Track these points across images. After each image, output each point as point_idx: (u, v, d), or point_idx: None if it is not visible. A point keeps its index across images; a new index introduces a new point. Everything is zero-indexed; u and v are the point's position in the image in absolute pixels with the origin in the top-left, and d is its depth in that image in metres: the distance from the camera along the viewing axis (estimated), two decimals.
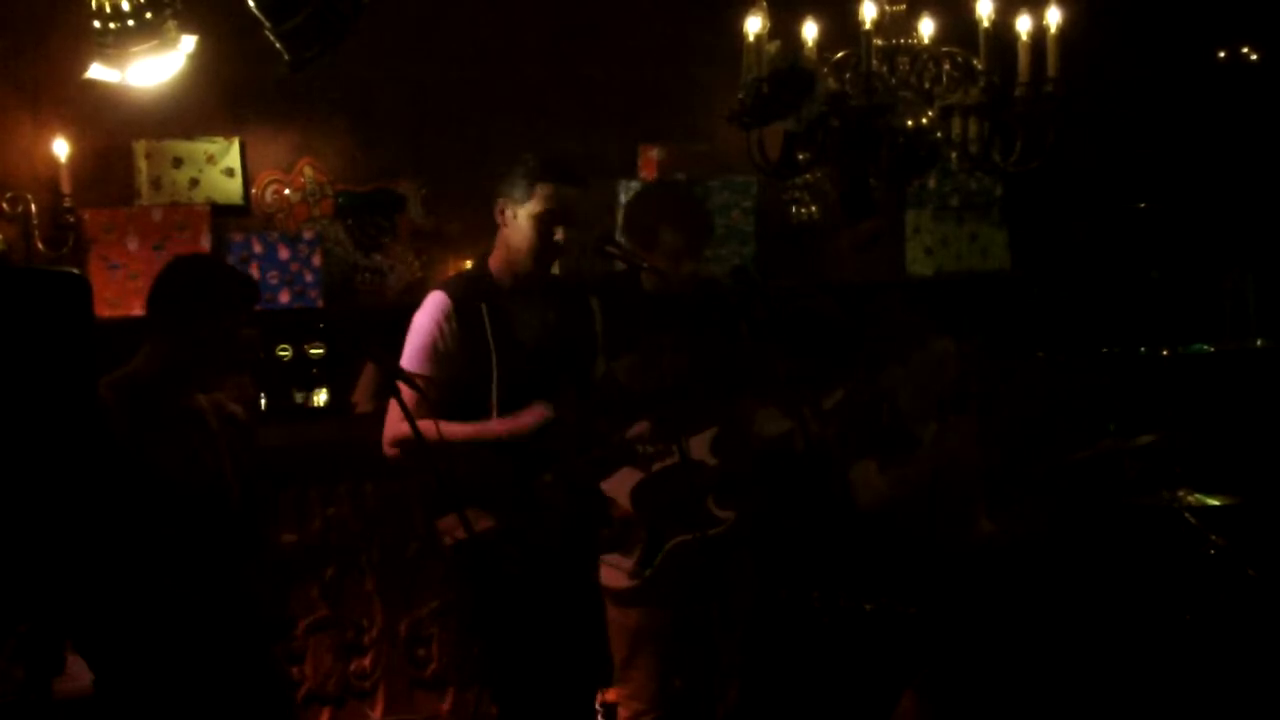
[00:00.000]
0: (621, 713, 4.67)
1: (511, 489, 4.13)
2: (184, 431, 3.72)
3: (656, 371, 4.52)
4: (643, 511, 4.46)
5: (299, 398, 5.04)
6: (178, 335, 3.69)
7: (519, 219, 4.18)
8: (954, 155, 3.96)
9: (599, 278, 4.85)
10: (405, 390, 3.87)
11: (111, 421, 3.49)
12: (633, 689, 4.63)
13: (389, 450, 4.16)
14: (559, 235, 4.18)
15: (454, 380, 4.14)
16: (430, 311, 4.20)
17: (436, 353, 4.15)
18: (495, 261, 4.28)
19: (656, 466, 4.47)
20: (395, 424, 4.09)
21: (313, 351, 5.00)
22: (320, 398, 5.06)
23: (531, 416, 4.11)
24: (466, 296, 4.19)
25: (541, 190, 4.15)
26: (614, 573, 4.52)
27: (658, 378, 4.51)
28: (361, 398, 5.09)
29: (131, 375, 3.69)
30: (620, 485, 4.49)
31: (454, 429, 4.04)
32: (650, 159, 5.59)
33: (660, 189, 5.20)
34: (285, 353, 5.00)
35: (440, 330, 4.16)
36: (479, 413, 4.14)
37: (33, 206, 4.86)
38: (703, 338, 4.62)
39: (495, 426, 4.12)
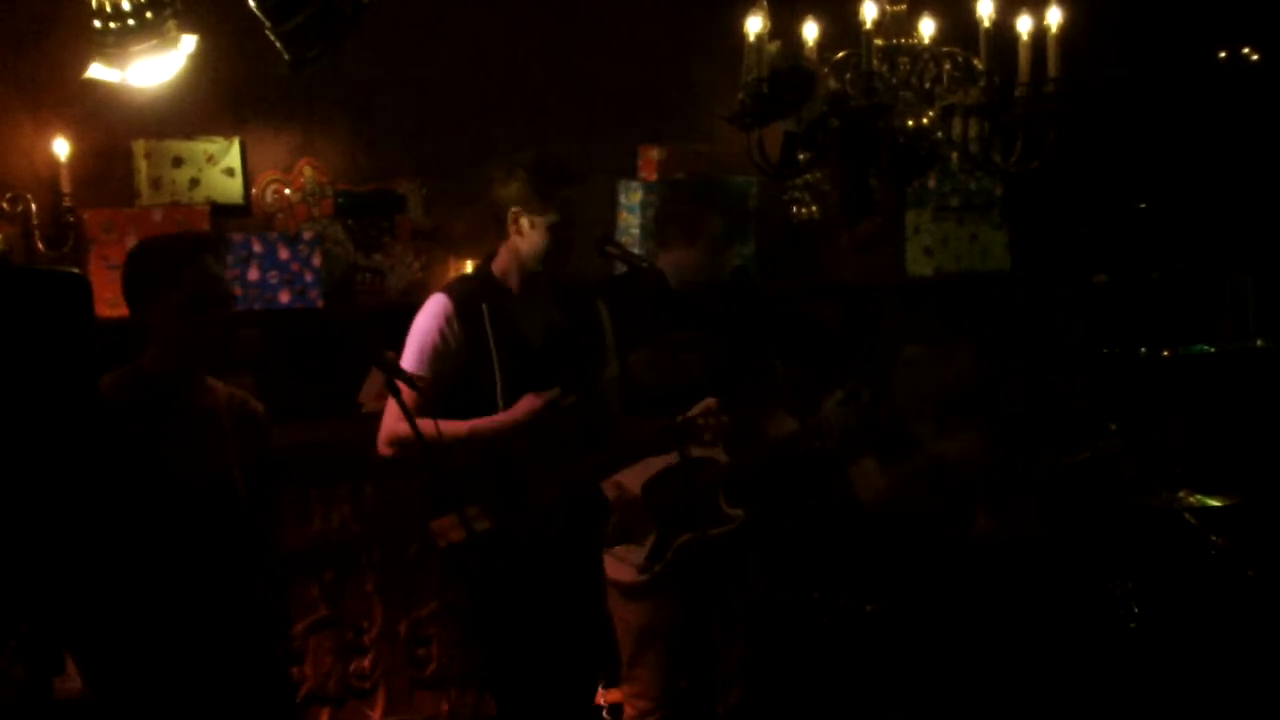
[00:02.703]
0: (627, 711, 4.67)
1: (507, 490, 4.12)
2: (194, 430, 3.71)
3: (669, 369, 4.52)
4: (652, 507, 4.46)
5: None
6: (164, 318, 3.66)
7: (536, 228, 4.16)
8: (954, 155, 3.96)
9: (601, 278, 4.85)
10: (405, 391, 3.87)
11: (121, 416, 3.48)
12: (639, 688, 4.63)
13: (384, 450, 4.16)
14: (569, 238, 4.19)
15: (456, 383, 4.14)
16: (431, 313, 4.19)
17: (437, 355, 4.15)
18: (499, 265, 4.26)
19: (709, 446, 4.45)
20: (393, 423, 4.09)
21: None
22: None
23: (525, 405, 4.10)
24: (469, 299, 4.19)
25: (560, 199, 4.15)
26: (621, 567, 4.52)
27: (671, 375, 4.50)
28: (368, 397, 5.09)
29: (134, 371, 3.68)
30: (638, 475, 4.48)
31: (452, 427, 4.04)
32: (650, 159, 5.59)
33: (694, 182, 5.20)
34: None
35: (441, 333, 4.15)
36: (485, 414, 4.13)
37: (33, 206, 4.86)
38: (707, 337, 4.62)
39: (490, 421, 4.11)
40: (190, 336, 3.68)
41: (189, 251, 3.72)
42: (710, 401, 4.42)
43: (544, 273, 4.21)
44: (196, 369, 3.76)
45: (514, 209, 4.18)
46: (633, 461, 4.41)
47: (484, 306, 4.15)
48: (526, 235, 4.17)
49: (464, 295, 4.20)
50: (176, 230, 4.85)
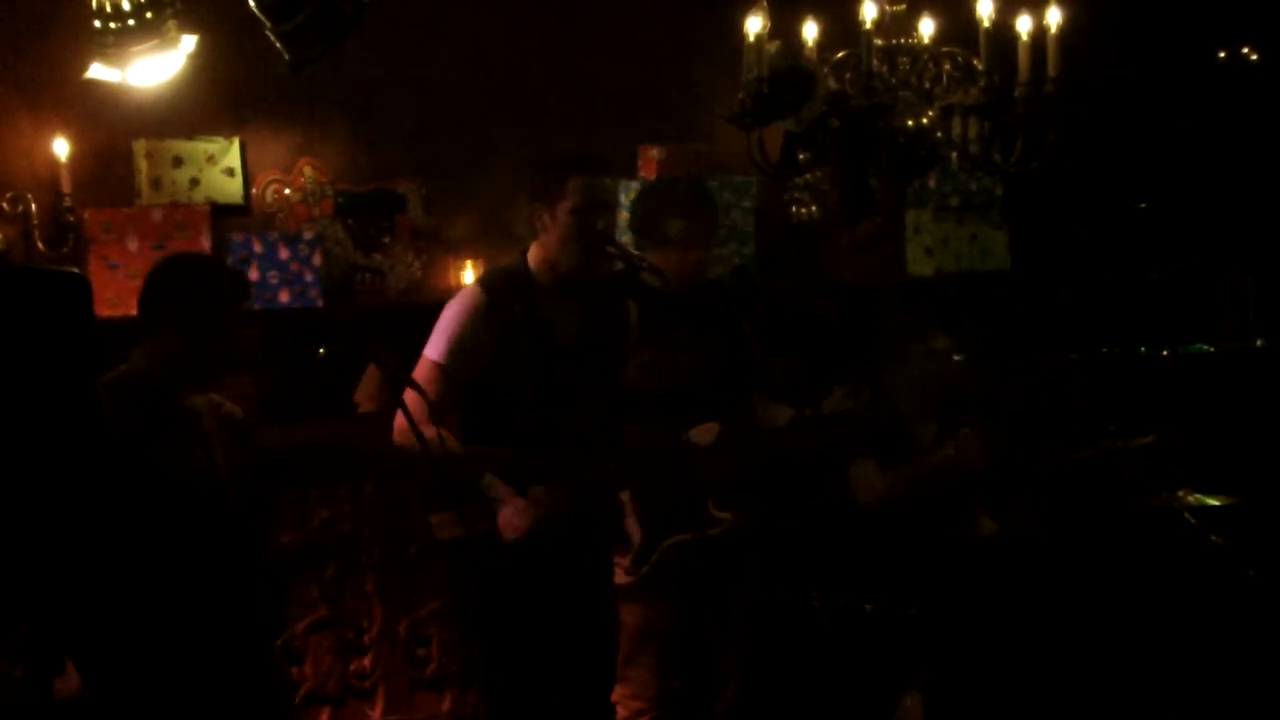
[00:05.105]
0: (620, 711, 4.66)
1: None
2: (178, 432, 3.72)
3: (668, 369, 4.51)
4: (640, 510, 4.46)
5: None
6: (171, 334, 3.68)
7: (556, 218, 4.17)
8: (954, 155, 3.95)
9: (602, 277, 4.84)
10: (411, 393, 3.87)
11: (114, 418, 3.48)
12: (634, 688, 4.62)
13: (397, 438, 4.15)
14: (599, 224, 4.18)
15: (483, 377, 4.13)
16: (462, 306, 4.18)
17: (463, 348, 4.13)
18: (535, 260, 4.25)
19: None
20: (403, 419, 4.07)
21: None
22: None
23: (527, 514, 4.08)
24: (503, 294, 4.17)
25: (572, 185, 4.15)
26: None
27: (670, 376, 4.50)
28: (363, 397, 5.09)
29: (125, 376, 3.68)
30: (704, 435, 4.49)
31: (453, 445, 4.04)
32: (650, 159, 5.59)
33: (665, 185, 5.20)
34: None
35: (470, 326, 4.14)
36: (511, 413, 4.12)
37: (33, 206, 4.87)
38: (707, 337, 4.62)
39: (497, 484, 4.11)
40: (198, 350, 3.70)
41: (230, 290, 3.75)
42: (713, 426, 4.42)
43: (579, 269, 4.21)
44: (188, 378, 3.77)
45: (534, 207, 4.20)
46: (641, 473, 4.40)
47: (516, 304, 4.14)
48: (550, 229, 4.18)
49: (498, 290, 4.19)
50: (176, 231, 4.87)
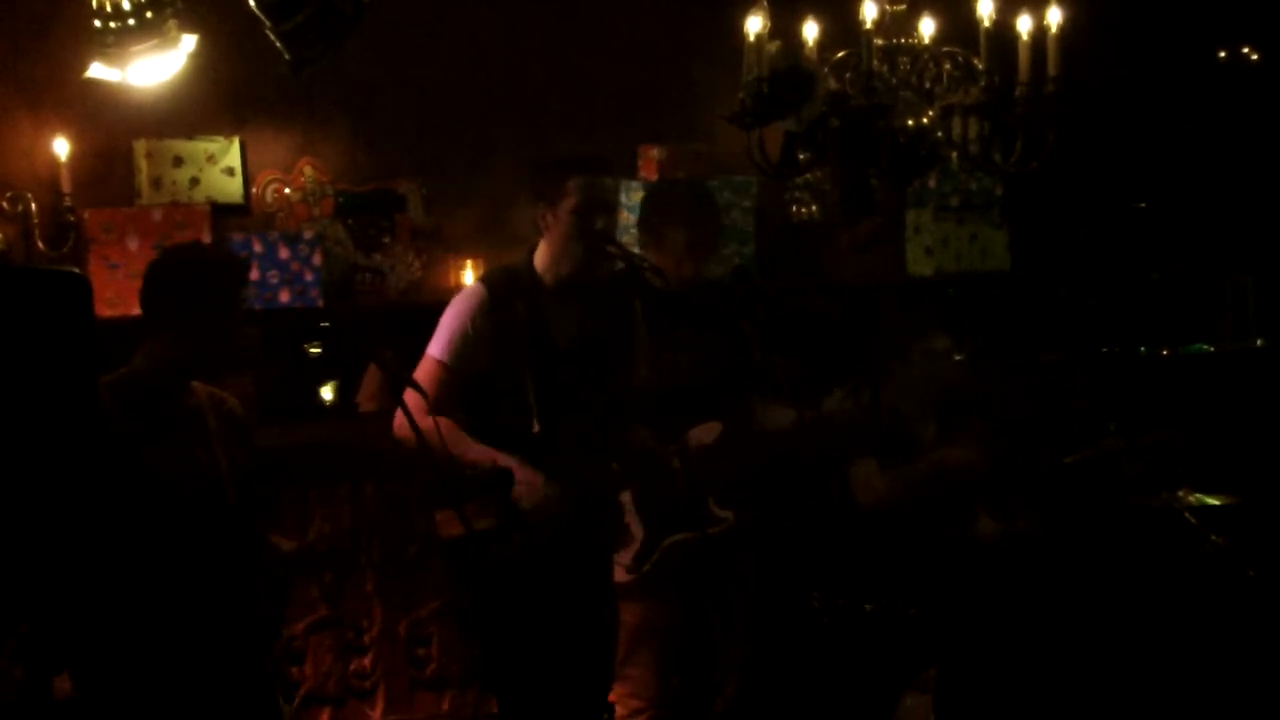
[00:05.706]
0: (619, 710, 4.66)
1: (509, 492, 4.12)
2: (180, 431, 3.72)
3: (668, 369, 4.52)
4: (641, 508, 4.46)
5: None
6: (176, 329, 3.68)
7: (559, 218, 4.18)
8: (954, 155, 3.95)
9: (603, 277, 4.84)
10: (411, 393, 3.87)
11: (115, 417, 3.48)
12: (631, 687, 4.62)
13: (397, 432, 4.16)
14: (600, 224, 4.18)
15: (484, 376, 4.14)
16: (464, 304, 4.19)
17: (464, 346, 4.14)
18: (541, 260, 4.26)
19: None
20: (413, 409, 4.07)
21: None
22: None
23: (525, 478, 4.06)
24: (506, 293, 4.18)
25: (573, 184, 4.16)
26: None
27: (670, 376, 4.50)
28: (365, 398, 5.09)
29: (129, 375, 3.68)
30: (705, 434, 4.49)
31: (454, 437, 4.04)
32: (650, 159, 5.59)
33: (669, 188, 5.21)
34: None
35: (471, 324, 4.15)
36: (515, 412, 4.12)
37: (33, 206, 4.87)
38: (707, 337, 4.62)
39: (486, 456, 4.10)
40: (201, 345, 3.70)
41: (230, 277, 3.75)
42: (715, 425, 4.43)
43: (580, 269, 4.21)
44: (193, 373, 3.77)
45: (538, 207, 4.21)
46: (642, 474, 4.40)
47: (518, 303, 4.14)
48: (552, 229, 4.19)
49: (500, 288, 4.19)
50: (176, 230, 4.87)
